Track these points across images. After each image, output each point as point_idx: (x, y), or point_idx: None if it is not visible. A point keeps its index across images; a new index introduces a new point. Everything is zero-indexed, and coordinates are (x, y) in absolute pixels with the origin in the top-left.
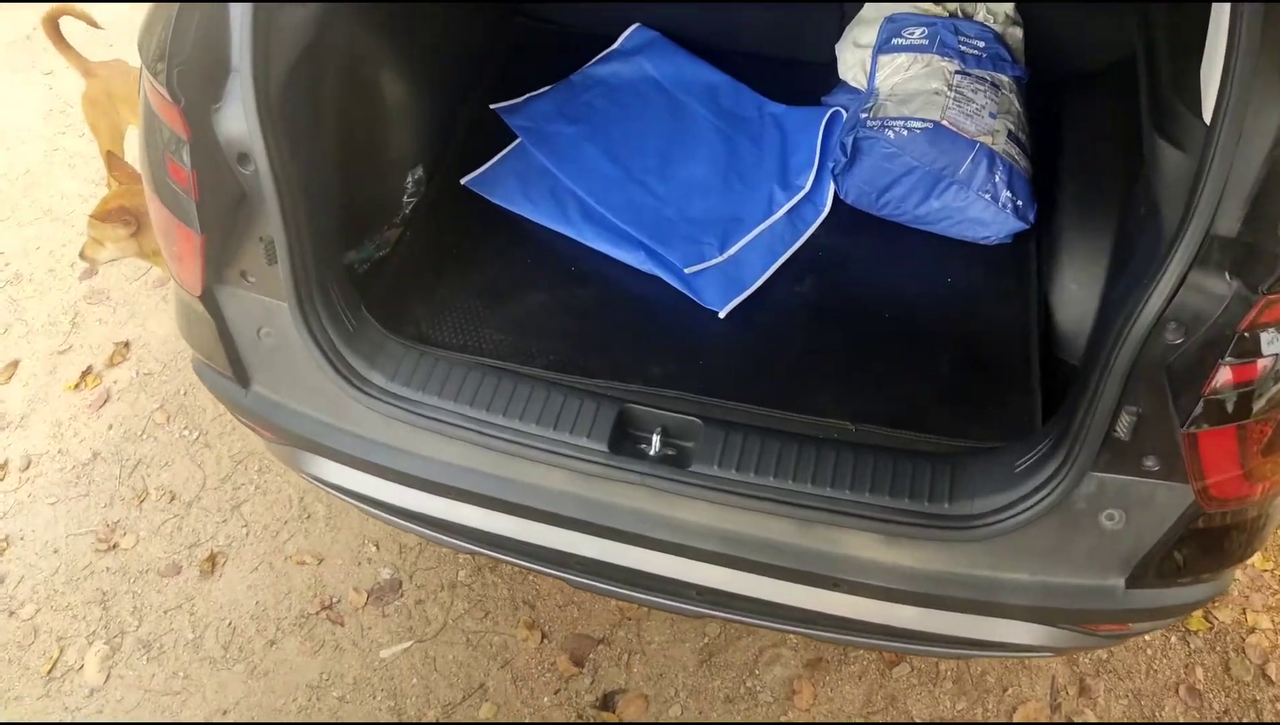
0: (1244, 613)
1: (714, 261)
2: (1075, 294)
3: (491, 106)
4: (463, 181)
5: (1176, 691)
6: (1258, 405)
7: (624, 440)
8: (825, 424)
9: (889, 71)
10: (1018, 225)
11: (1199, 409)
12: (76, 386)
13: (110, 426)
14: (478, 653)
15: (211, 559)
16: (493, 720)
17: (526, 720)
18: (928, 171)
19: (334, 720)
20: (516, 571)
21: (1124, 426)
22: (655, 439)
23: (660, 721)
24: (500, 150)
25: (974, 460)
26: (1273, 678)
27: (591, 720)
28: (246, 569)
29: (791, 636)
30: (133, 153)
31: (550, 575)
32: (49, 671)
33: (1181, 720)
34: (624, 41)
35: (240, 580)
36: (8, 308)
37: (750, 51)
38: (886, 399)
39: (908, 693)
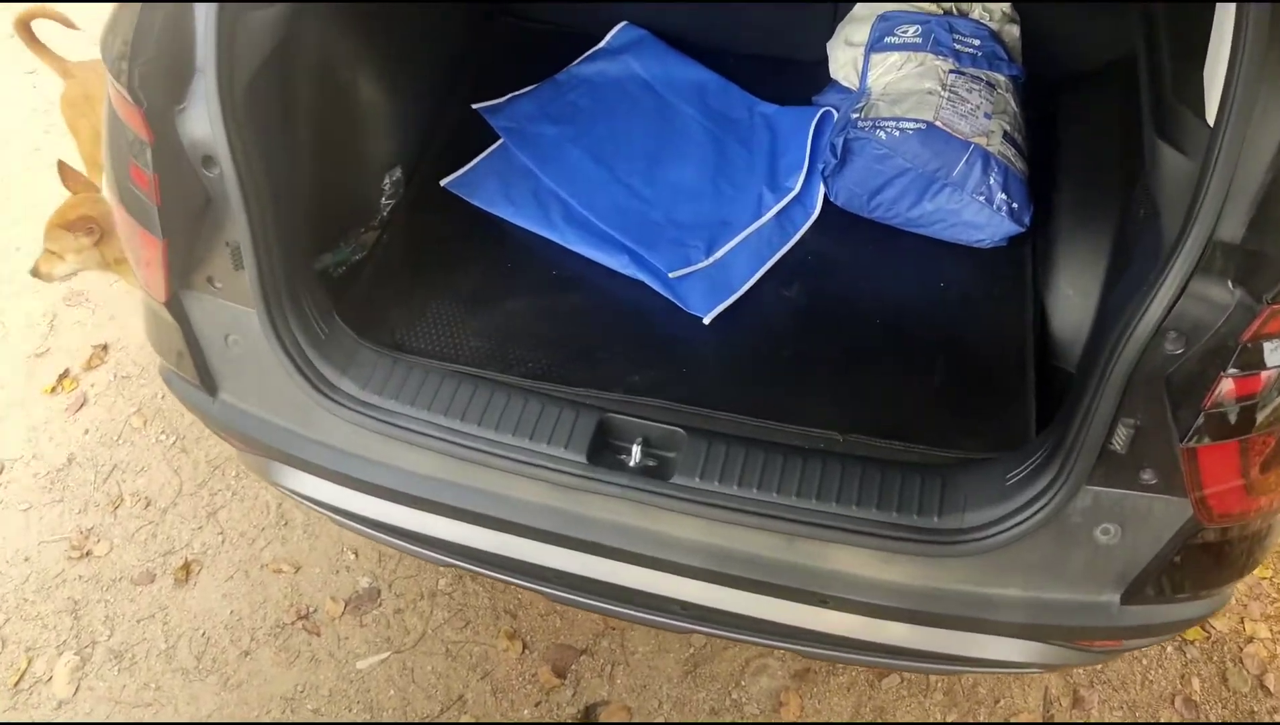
0: (1242, 622)
1: (700, 265)
2: (1072, 300)
3: (473, 106)
4: (442, 183)
5: (1172, 703)
6: (1260, 418)
7: (603, 451)
8: (812, 434)
9: (881, 70)
10: (1013, 229)
11: (1199, 422)
12: (53, 390)
13: (86, 431)
14: (457, 664)
15: (186, 567)
16: None
17: None
18: (920, 173)
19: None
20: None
21: (1121, 439)
22: (636, 450)
23: (645, 722)
24: (482, 151)
25: (965, 472)
26: (1271, 689)
27: None
28: (221, 577)
29: None
30: None
31: (529, 589)
32: (16, 683)
33: None
34: (610, 40)
35: (215, 589)
36: None
37: (740, 50)
38: (876, 408)
39: (897, 704)
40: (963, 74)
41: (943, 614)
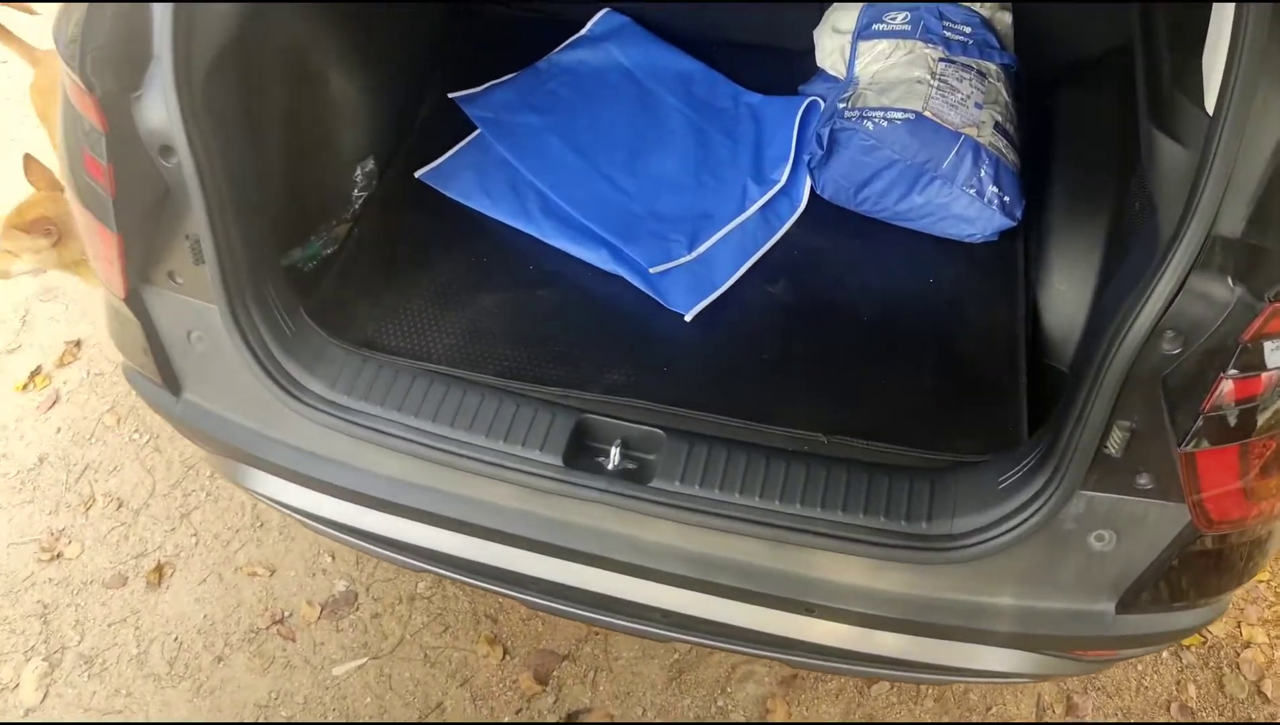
0: (1239, 626)
1: (681, 260)
2: (1065, 296)
3: (450, 95)
4: (417, 175)
5: (1168, 709)
6: (1261, 421)
7: (580, 453)
8: (797, 436)
9: (869, 59)
10: (1004, 222)
11: (1198, 426)
12: (24, 387)
13: (58, 429)
14: (436, 670)
15: (159, 570)
16: None
17: None
18: (909, 165)
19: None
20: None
21: (1116, 442)
22: (614, 452)
23: (629, 721)
24: (458, 142)
25: (955, 476)
26: (1269, 695)
27: None
28: (195, 580)
29: None
30: None
31: (504, 595)
32: None
33: None
34: (592, 27)
35: (188, 592)
36: None
37: (725, 38)
38: (863, 409)
39: (887, 712)
40: (953, 62)
41: (932, 623)
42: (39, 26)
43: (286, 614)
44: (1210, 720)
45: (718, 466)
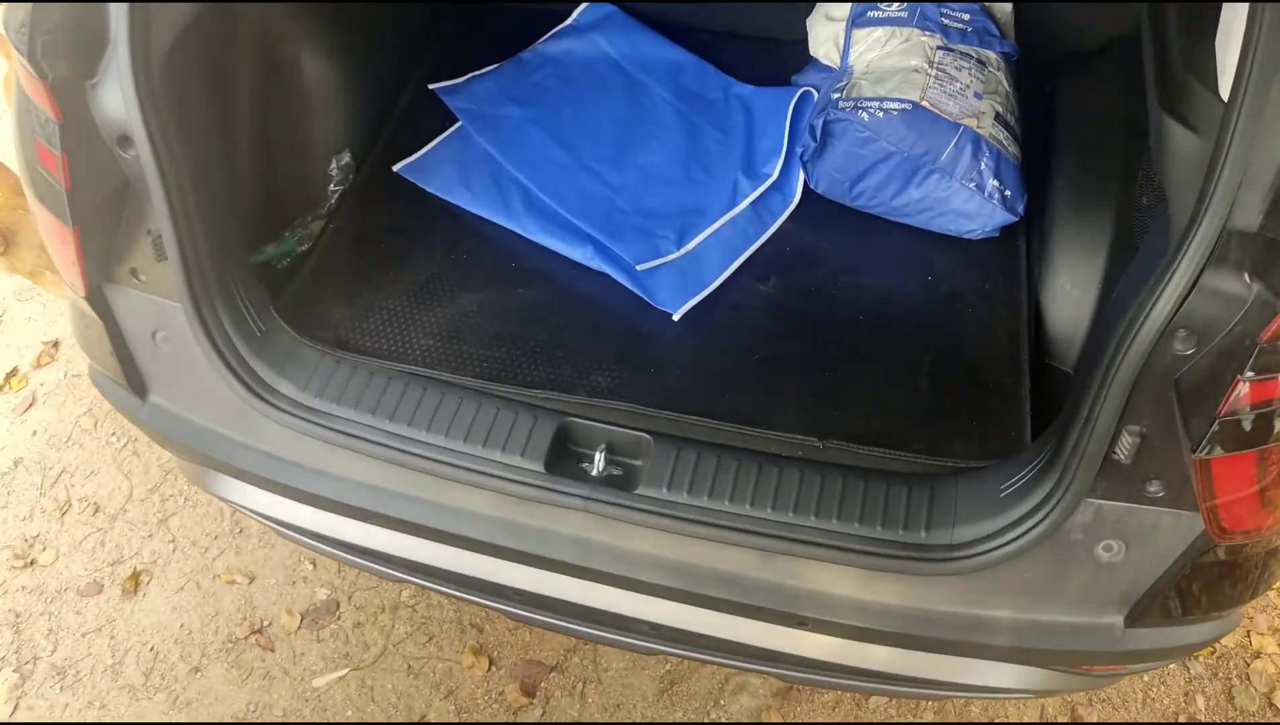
0: (1248, 636)
1: (669, 257)
2: (1069, 294)
3: (430, 87)
4: (395, 169)
5: (1176, 722)
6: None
7: (563, 459)
8: (789, 441)
9: (864, 47)
10: (1006, 218)
11: (1213, 431)
12: (0, 389)
13: (34, 432)
14: (419, 681)
15: (135, 577)
16: None
17: None
18: (906, 157)
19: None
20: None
21: (1125, 448)
22: (599, 457)
23: (618, 722)
24: (438, 135)
25: (955, 483)
26: None
27: None
28: (172, 588)
29: None
30: None
31: (485, 607)
32: None
33: None
34: (578, 17)
35: (165, 601)
36: None
37: (715, 28)
38: (858, 412)
39: None
40: (951, 51)
41: (931, 637)
42: None
43: (266, 623)
44: None
45: (707, 473)
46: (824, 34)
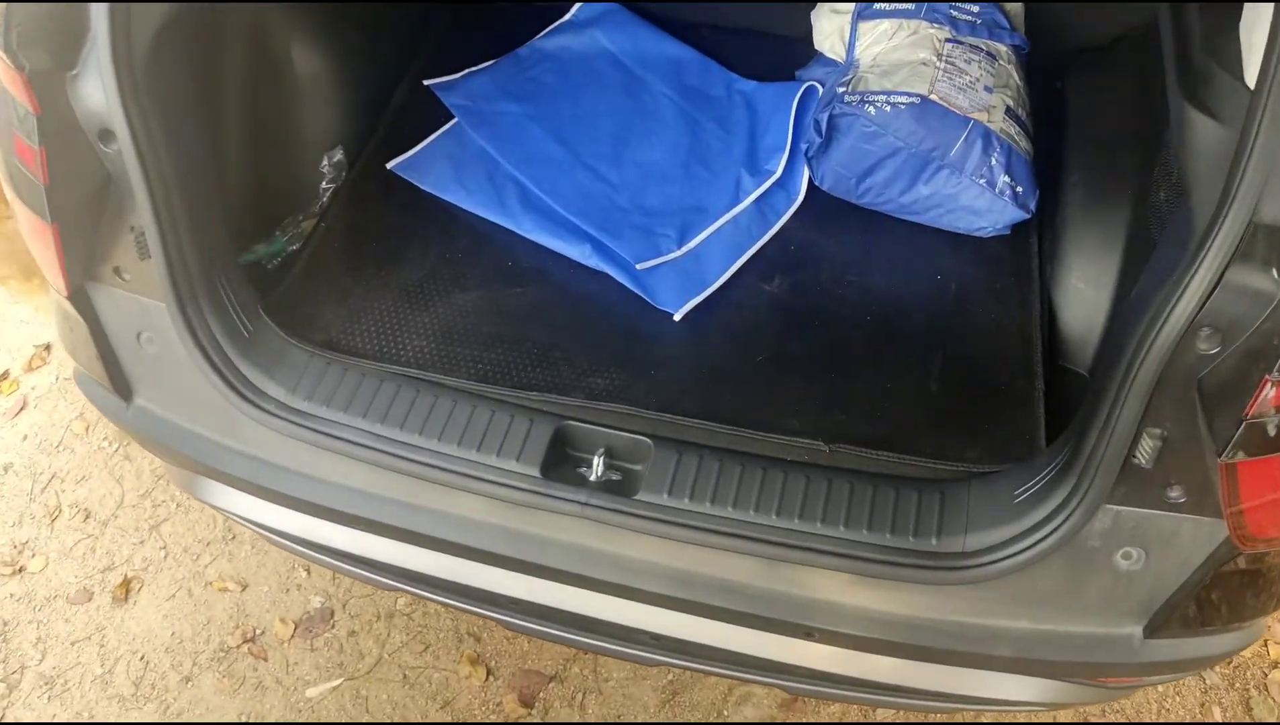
0: (1265, 645)
1: (670, 256)
2: (1083, 294)
3: (426, 83)
4: (389, 166)
5: None
6: None
7: (560, 463)
8: (795, 445)
9: (870, 40)
10: (1017, 215)
11: (1239, 434)
12: None
13: (25, 436)
14: (415, 691)
15: (126, 584)
16: None
17: None
18: (914, 153)
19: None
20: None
21: (1146, 452)
22: (597, 462)
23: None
24: (433, 132)
25: (967, 488)
26: None
27: None
28: (163, 596)
29: None
30: None
31: (481, 616)
32: None
33: None
34: (576, 12)
35: (155, 608)
36: None
37: (717, 23)
38: (866, 416)
39: None
40: (960, 43)
41: (942, 648)
42: None
43: (258, 632)
44: None
45: (709, 478)
46: (829, 27)
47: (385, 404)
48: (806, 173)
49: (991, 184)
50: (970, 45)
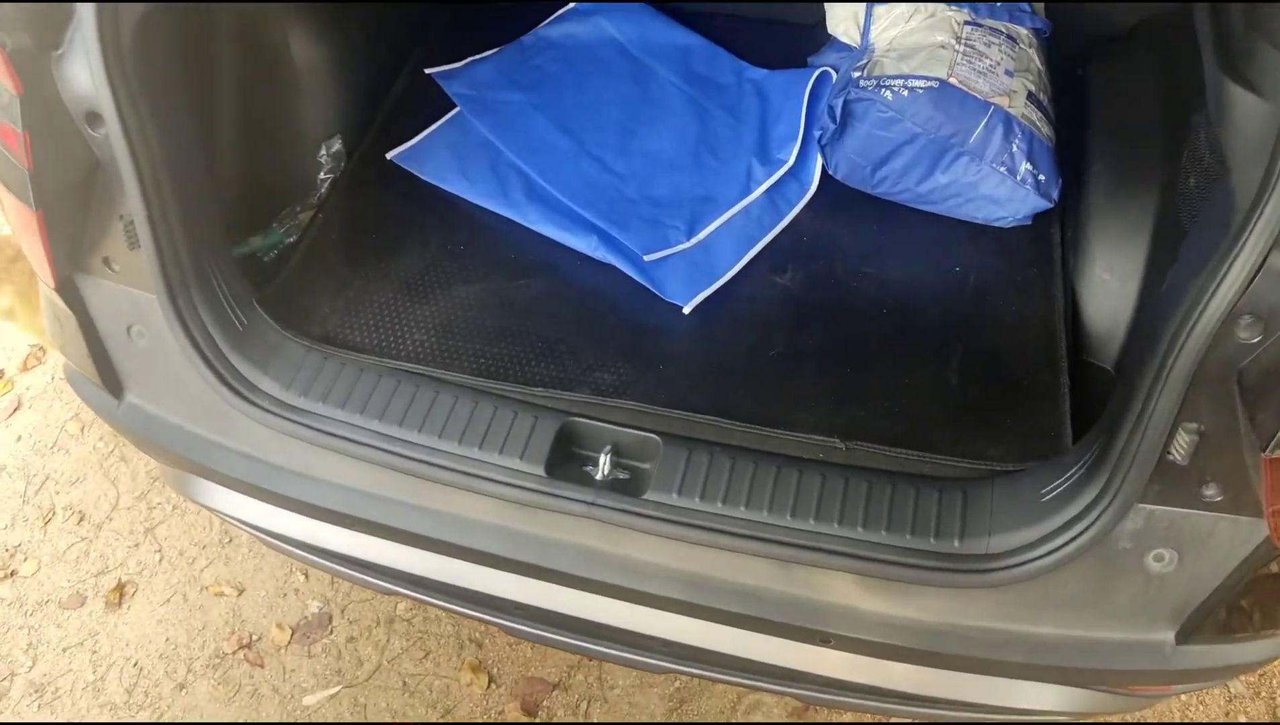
0: None
1: (679, 248)
2: (1108, 285)
3: (427, 71)
4: (389, 156)
5: None
6: None
7: (566, 462)
8: (810, 442)
9: (886, 23)
10: (1039, 203)
11: None
12: None
13: (19, 438)
14: (415, 699)
15: (119, 588)
16: None
17: None
18: (932, 139)
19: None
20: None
21: (1181, 447)
22: (604, 460)
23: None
24: (435, 121)
25: (990, 487)
26: None
27: None
28: (157, 600)
29: None
30: None
31: (482, 621)
32: None
33: None
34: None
35: (150, 613)
36: None
37: (726, 11)
38: (884, 412)
39: None
40: (980, 26)
41: (964, 655)
42: None
43: (255, 637)
44: None
45: (721, 476)
46: (843, 11)
47: (384, 400)
48: (820, 161)
49: (1013, 171)
50: (990, 28)
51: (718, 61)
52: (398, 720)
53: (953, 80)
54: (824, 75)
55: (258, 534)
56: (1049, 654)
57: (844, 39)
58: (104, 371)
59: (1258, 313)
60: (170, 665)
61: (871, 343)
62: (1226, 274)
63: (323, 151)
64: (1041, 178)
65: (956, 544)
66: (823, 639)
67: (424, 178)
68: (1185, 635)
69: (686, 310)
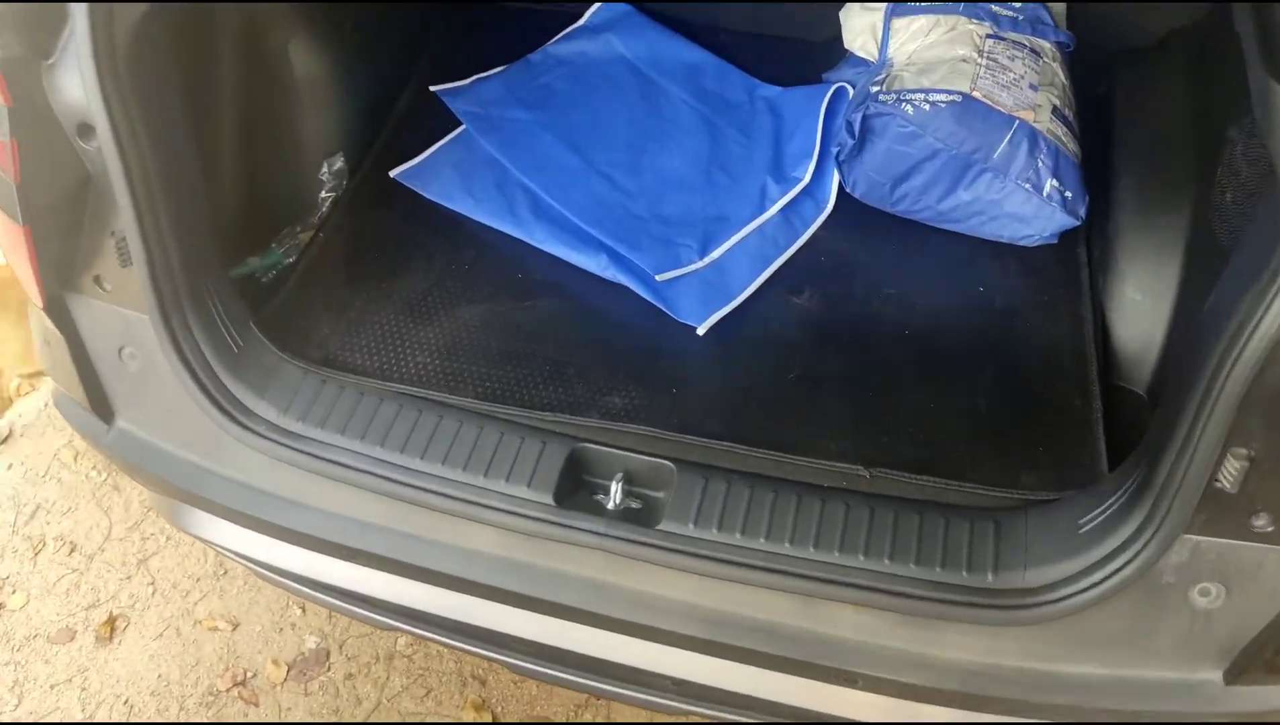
0: None
1: (692, 267)
2: (1139, 305)
3: (433, 89)
4: (392, 174)
5: None
6: None
7: (575, 490)
8: (832, 470)
9: (905, 37)
10: (1066, 221)
11: None
12: None
13: (10, 465)
14: None
15: (110, 622)
16: None
17: None
18: (954, 155)
19: None
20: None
21: (1230, 474)
22: (615, 488)
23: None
24: (439, 139)
25: (1024, 517)
26: None
27: None
28: (150, 635)
29: None
30: None
31: (485, 658)
32: None
33: None
34: (590, 17)
35: (142, 649)
36: None
37: (737, 28)
38: (908, 438)
39: None
40: (1002, 39)
41: (999, 697)
42: None
43: (249, 674)
44: None
45: (739, 506)
46: (860, 24)
47: (385, 425)
48: (836, 180)
49: (1038, 188)
50: (1013, 41)
51: (728, 79)
52: None
53: (976, 94)
54: (840, 90)
55: (253, 566)
56: (1089, 695)
57: (861, 53)
58: (93, 395)
59: None
60: (162, 703)
61: (894, 366)
62: (1278, 292)
63: (324, 169)
64: (1068, 195)
65: (990, 578)
66: (848, 679)
67: (428, 196)
68: (1234, 675)
69: (701, 331)
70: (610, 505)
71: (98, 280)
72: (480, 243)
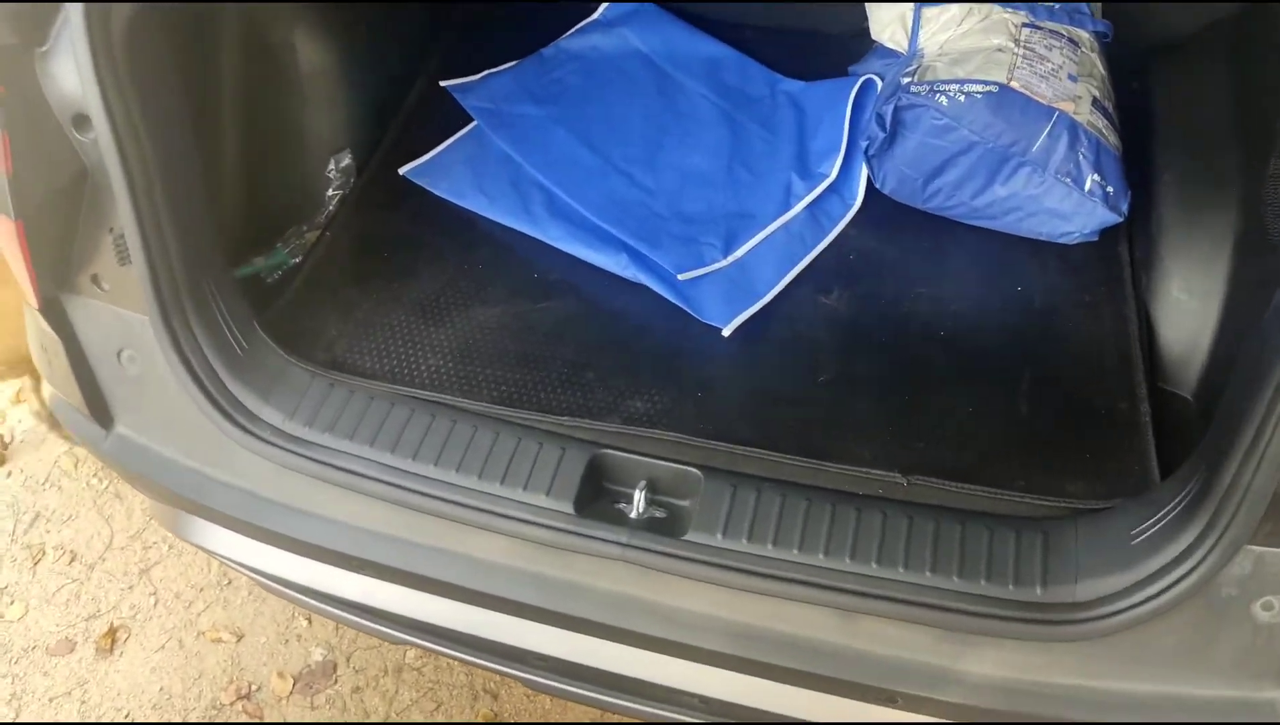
0: None
1: (716, 266)
2: (1185, 305)
3: (442, 84)
4: (402, 171)
5: None
6: None
7: (596, 498)
8: (867, 477)
9: (936, 27)
10: (1108, 217)
11: None
12: None
13: (9, 473)
14: None
15: (111, 633)
16: None
17: None
18: (991, 148)
19: None
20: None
21: None
22: (639, 496)
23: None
24: (450, 135)
25: (1074, 528)
26: None
27: None
28: (151, 647)
29: None
30: None
31: (499, 672)
32: None
33: None
34: (605, 11)
35: (143, 660)
36: None
37: (758, 23)
38: (947, 444)
39: None
40: (1039, 28)
41: (1049, 717)
42: None
43: (254, 687)
44: None
45: (769, 515)
46: (888, 15)
47: (396, 430)
48: (865, 176)
49: (1079, 183)
50: (1050, 30)
51: (749, 73)
52: None
53: (1014, 84)
54: (868, 83)
55: (257, 577)
56: (1145, 714)
57: (889, 44)
58: (91, 399)
59: None
60: (164, 717)
61: (929, 368)
62: None
63: (331, 166)
64: (1110, 190)
65: (1039, 591)
66: (887, 698)
67: (439, 194)
68: None
69: (726, 332)
70: (633, 514)
71: (95, 279)
72: (494, 242)
